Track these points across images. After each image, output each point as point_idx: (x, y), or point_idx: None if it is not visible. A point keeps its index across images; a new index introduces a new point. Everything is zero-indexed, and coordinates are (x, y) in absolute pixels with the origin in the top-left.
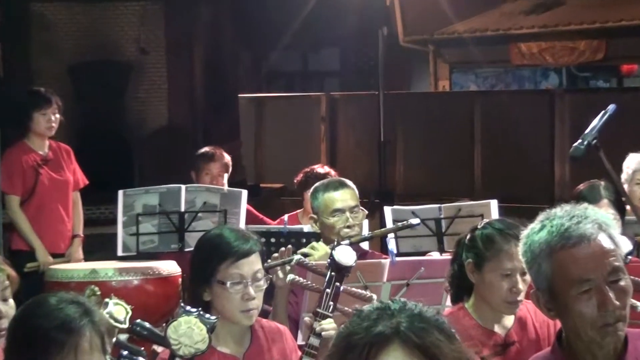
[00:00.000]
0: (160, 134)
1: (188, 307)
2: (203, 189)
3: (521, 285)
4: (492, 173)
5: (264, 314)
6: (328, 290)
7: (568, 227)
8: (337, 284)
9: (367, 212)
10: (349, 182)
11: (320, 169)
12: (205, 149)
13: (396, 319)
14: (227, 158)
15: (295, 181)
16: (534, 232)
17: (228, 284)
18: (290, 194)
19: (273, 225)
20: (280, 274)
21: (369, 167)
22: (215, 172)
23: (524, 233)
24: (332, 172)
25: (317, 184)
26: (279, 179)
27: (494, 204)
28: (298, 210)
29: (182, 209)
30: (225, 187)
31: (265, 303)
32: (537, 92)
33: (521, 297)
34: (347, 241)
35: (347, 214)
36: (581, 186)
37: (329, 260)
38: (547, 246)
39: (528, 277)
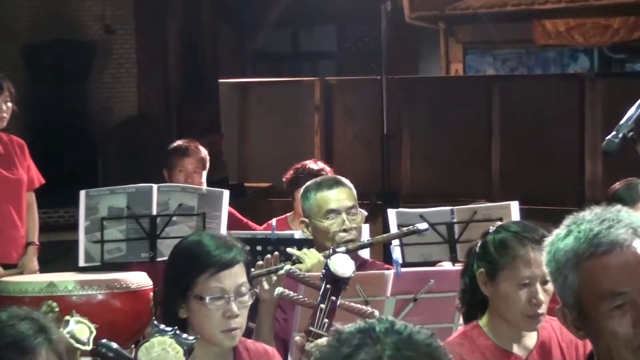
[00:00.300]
0: (128, 125)
1: (162, 326)
2: (178, 189)
3: (542, 296)
4: (513, 170)
5: (248, 332)
6: (322, 306)
7: (598, 233)
8: (333, 298)
9: (366, 213)
10: (345, 180)
11: (314, 165)
12: (179, 142)
13: (380, 344)
14: (204, 152)
15: (284, 179)
16: (559, 238)
17: (207, 299)
18: (279, 194)
19: (259, 231)
20: (266, 286)
21: (370, 163)
22: (190, 168)
23: (548, 240)
24: (327, 169)
25: (308, 183)
26: (266, 177)
27: (514, 206)
28: (288, 214)
29: (154, 212)
30: (204, 187)
31: (249, 320)
32: (564, 77)
33: (543, 309)
34: (343, 248)
35: (343, 215)
36: (616, 185)
37: (323, 270)
38: (573, 255)
39: (550, 287)
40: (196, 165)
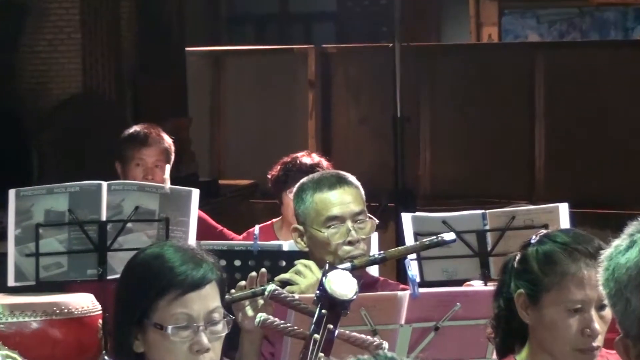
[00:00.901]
0: (70, 106)
1: None
2: (134, 187)
3: (597, 325)
4: (561, 165)
5: None
6: (316, 336)
7: None
8: (330, 326)
9: (377, 221)
10: (351, 178)
11: (307, 158)
12: (136, 128)
13: None
14: (168, 141)
15: (269, 177)
16: (620, 251)
17: (169, 328)
18: (263, 194)
19: (238, 241)
20: (249, 312)
21: (379, 155)
22: (150, 162)
23: (606, 254)
24: (324, 164)
25: (303, 180)
26: (246, 173)
27: (563, 209)
28: (274, 219)
29: (104, 218)
30: (167, 185)
31: (226, 356)
32: (627, 45)
33: (598, 341)
34: (348, 264)
35: (348, 224)
36: None
37: (317, 292)
38: (638, 272)
39: (608, 312)
40: (158, 157)
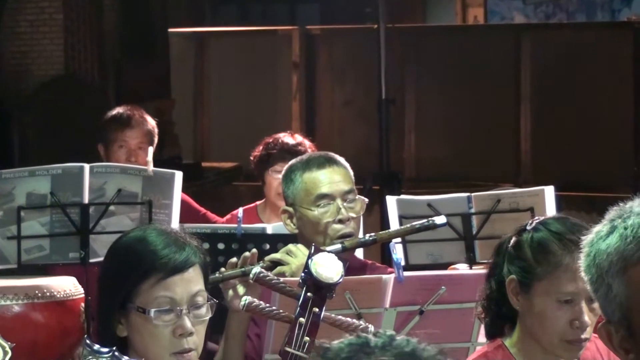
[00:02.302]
0: (52, 88)
1: (96, 346)
2: (117, 170)
3: (587, 317)
4: (547, 147)
5: (207, 356)
6: (302, 320)
7: None
8: (316, 309)
9: (367, 200)
10: (339, 158)
11: (289, 138)
12: (118, 110)
13: None
14: (152, 123)
15: (252, 157)
16: (600, 237)
17: (152, 312)
18: (247, 177)
19: (221, 224)
20: (240, 290)
21: (363, 137)
22: (133, 144)
23: (587, 239)
24: (307, 144)
25: (292, 162)
26: (229, 156)
27: (549, 192)
28: (258, 202)
29: (86, 200)
30: (150, 167)
31: (210, 340)
32: (614, 26)
33: (587, 334)
34: (338, 246)
35: (338, 202)
36: None
37: (302, 274)
38: (619, 258)
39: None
40: (141, 139)
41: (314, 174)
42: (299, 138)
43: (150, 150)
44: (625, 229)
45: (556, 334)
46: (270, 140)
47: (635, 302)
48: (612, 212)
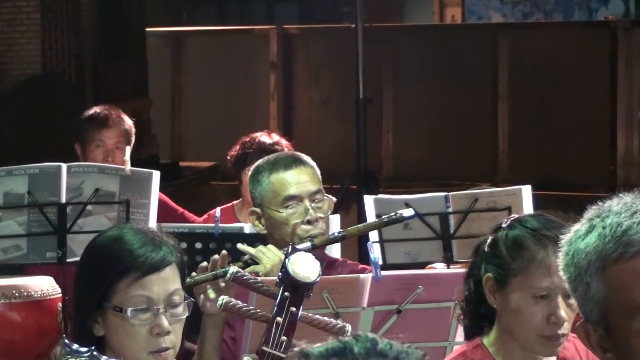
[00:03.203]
0: (29, 87)
1: (75, 346)
2: (94, 169)
3: (564, 313)
4: (524, 146)
5: (184, 355)
6: (279, 319)
7: (628, 228)
8: (293, 309)
9: (334, 200)
10: (306, 157)
11: (266, 137)
12: (96, 109)
13: None
14: (129, 123)
15: (228, 157)
16: (579, 236)
17: (129, 311)
18: (224, 176)
19: (199, 224)
20: (211, 294)
21: (341, 137)
22: (110, 143)
23: (565, 238)
24: (284, 143)
25: (258, 163)
26: (207, 155)
27: (526, 191)
28: (235, 201)
29: (63, 200)
30: (128, 167)
31: (187, 339)
32: (591, 26)
33: (564, 329)
34: (308, 244)
35: (306, 203)
36: None
37: (280, 274)
38: (597, 257)
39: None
40: (118, 139)
41: (280, 174)
42: (275, 137)
43: (128, 149)
44: (604, 228)
45: (533, 330)
46: (247, 140)
47: (614, 301)
48: (590, 211)
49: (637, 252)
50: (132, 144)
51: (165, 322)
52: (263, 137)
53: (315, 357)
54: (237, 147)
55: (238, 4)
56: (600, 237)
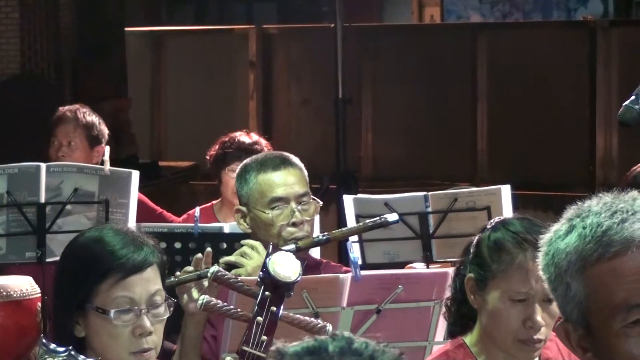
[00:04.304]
0: (8, 87)
1: (52, 345)
2: (73, 169)
3: (540, 318)
4: (503, 146)
5: (164, 355)
6: (259, 319)
7: (608, 229)
8: (274, 308)
9: (320, 203)
10: (295, 159)
11: (245, 137)
12: (61, 108)
13: None
14: (91, 120)
15: (208, 156)
16: (559, 236)
17: (112, 313)
18: (204, 176)
19: (178, 224)
20: (194, 294)
21: (320, 137)
22: (61, 139)
23: (545, 238)
24: (263, 142)
25: (246, 162)
26: (186, 155)
27: (505, 191)
28: (214, 201)
29: (42, 200)
30: (107, 167)
31: (167, 339)
32: (570, 25)
33: (541, 335)
34: (292, 246)
35: (293, 205)
36: (638, 167)
37: (260, 274)
38: (577, 257)
39: (555, 306)
40: (70, 135)
41: (268, 175)
42: (255, 137)
43: (107, 149)
44: (584, 228)
45: (510, 333)
46: (227, 139)
47: (594, 301)
48: (570, 211)
49: (617, 252)
50: (103, 143)
51: (147, 322)
52: (242, 136)
53: (290, 356)
54: (217, 146)
55: (217, 4)
56: (580, 238)
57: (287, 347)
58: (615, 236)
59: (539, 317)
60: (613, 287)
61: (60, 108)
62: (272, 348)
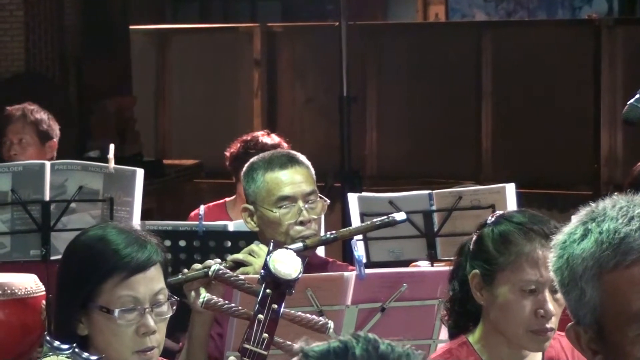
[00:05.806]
0: (12, 86)
1: (56, 343)
2: (78, 167)
3: (552, 306)
4: (508, 144)
5: (167, 354)
6: (261, 317)
7: (626, 236)
8: (275, 306)
9: (328, 201)
10: (302, 157)
11: (267, 138)
12: (8, 108)
13: None
14: (40, 117)
15: (227, 154)
16: (574, 240)
17: (116, 312)
18: (209, 174)
19: (183, 222)
20: (203, 292)
21: (325, 135)
22: (12, 138)
23: (558, 240)
24: (284, 145)
25: (253, 160)
26: (191, 153)
27: (510, 189)
28: (227, 198)
29: (47, 197)
30: (111, 165)
31: (173, 338)
32: (575, 24)
33: (552, 324)
34: (300, 244)
35: (300, 204)
36: None
37: (261, 271)
38: (594, 263)
39: (561, 296)
40: (21, 133)
41: (276, 174)
42: (276, 139)
43: (112, 147)
44: (601, 233)
45: (521, 325)
46: (249, 139)
47: (609, 308)
48: (582, 213)
49: (635, 260)
50: (55, 138)
51: (151, 321)
52: (265, 137)
53: (316, 357)
54: (238, 144)
55: (221, 2)
56: (597, 243)
57: (312, 347)
58: (634, 244)
59: (550, 306)
60: (630, 295)
61: (7, 107)
62: (296, 347)
